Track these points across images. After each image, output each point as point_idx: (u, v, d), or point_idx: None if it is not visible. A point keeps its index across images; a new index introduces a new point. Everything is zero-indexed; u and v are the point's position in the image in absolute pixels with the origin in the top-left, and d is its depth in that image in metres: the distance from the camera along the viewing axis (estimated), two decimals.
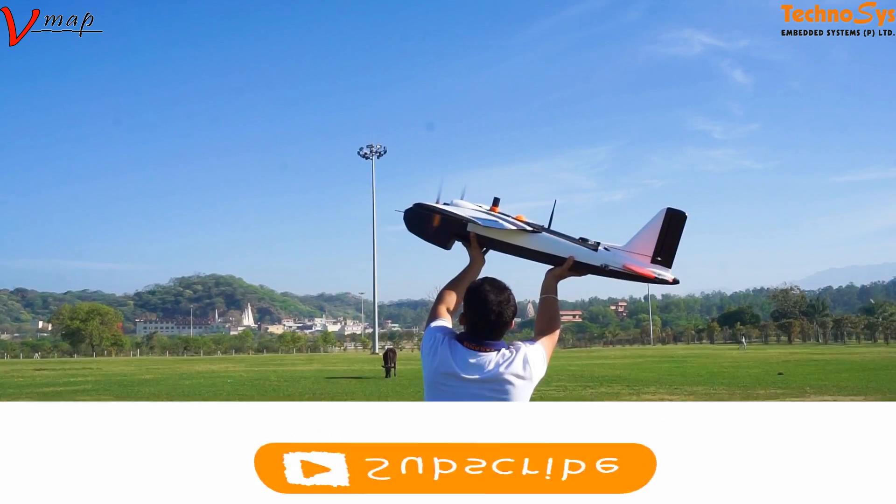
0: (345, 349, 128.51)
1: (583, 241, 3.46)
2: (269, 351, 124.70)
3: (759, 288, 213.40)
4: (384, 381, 28.43)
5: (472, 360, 2.79)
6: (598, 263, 3.39)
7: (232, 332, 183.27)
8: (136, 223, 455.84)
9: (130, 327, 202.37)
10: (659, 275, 3.37)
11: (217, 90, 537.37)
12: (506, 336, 2.92)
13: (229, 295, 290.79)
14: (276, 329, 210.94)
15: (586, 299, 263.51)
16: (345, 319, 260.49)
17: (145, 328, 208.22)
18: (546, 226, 3.60)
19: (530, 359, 2.83)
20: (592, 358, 55.61)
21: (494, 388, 2.76)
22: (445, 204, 3.70)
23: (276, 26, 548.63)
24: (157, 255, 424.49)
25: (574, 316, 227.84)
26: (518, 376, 2.78)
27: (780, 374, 28.00)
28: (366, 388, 24.93)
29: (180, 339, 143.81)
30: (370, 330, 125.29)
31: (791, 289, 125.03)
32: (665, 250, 3.39)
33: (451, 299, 3.20)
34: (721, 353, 57.34)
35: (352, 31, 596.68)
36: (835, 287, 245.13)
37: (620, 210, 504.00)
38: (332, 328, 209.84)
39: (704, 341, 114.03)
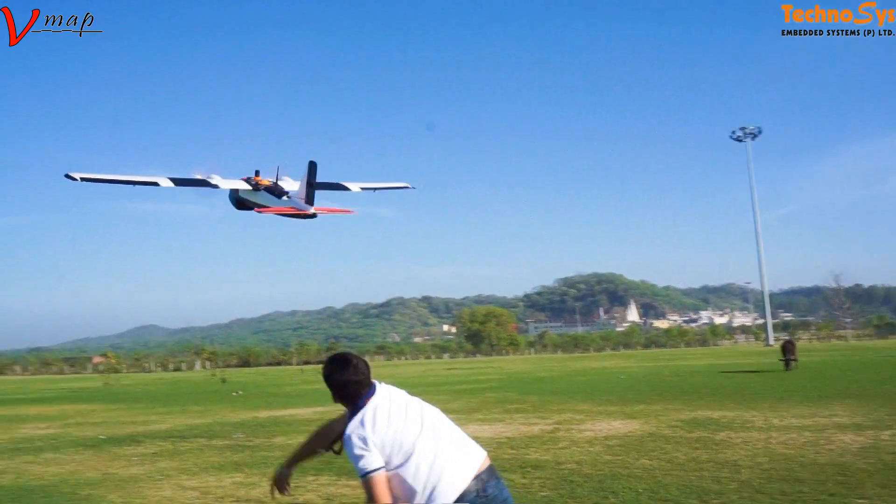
0: (735, 342, 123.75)
1: (281, 195, 7.83)
2: (656, 346, 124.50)
3: None
4: (784, 373, 27.01)
5: None
6: (263, 202, 8.49)
7: (618, 329, 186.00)
8: (522, 229, 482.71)
9: (523, 327, 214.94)
10: (302, 209, 10.92)
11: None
12: None
13: (611, 292, 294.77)
14: (661, 324, 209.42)
15: None
16: (731, 311, 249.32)
17: (536, 328, 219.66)
18: (273, 187, 12.74)
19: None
20: None
21: None
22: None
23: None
24: (540, 258, 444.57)
25: None
26: None
27: None
28: (766, 382, 23.77)
29: (569, 336, 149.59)
30: (761, 321, 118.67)
31: None
32: (309, 192, 8.76)
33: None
34: None
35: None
36: None
37: None
38: (720, 320, 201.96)
39: None
